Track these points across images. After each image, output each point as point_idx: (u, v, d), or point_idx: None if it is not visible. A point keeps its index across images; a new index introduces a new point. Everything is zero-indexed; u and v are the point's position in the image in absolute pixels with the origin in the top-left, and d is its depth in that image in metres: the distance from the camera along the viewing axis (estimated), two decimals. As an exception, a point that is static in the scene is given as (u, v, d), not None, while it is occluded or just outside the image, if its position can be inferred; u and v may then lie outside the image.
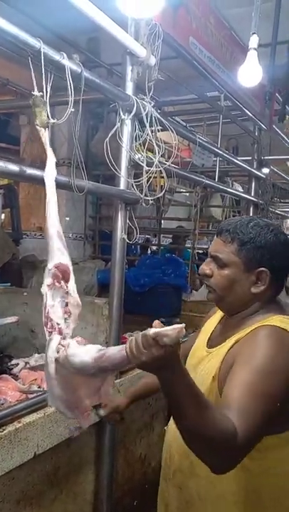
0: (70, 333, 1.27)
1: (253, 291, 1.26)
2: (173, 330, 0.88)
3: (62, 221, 4.86)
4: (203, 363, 1.34)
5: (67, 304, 1.30)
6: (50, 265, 1.28)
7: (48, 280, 1.28)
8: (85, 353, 1.05)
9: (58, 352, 1.13)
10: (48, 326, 1.25)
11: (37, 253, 4.57)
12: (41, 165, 1.47)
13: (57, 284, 1.28)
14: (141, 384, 1.70)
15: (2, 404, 1.81)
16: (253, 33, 2.49)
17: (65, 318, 1.29)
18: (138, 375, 2.30)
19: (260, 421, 1.06)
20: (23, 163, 1.49)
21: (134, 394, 1.66)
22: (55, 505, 1.93)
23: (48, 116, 1.46)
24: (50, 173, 1.42)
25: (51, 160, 1.44)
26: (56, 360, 1.12)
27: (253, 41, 2.52)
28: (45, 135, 1.44)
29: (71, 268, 1.32)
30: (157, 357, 0.90)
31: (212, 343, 1.38)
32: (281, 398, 1.10)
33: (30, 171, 1.48)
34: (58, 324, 1.24)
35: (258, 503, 1.26)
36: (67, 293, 1.30)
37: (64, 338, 1.20)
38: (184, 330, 0.90)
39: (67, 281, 1.30)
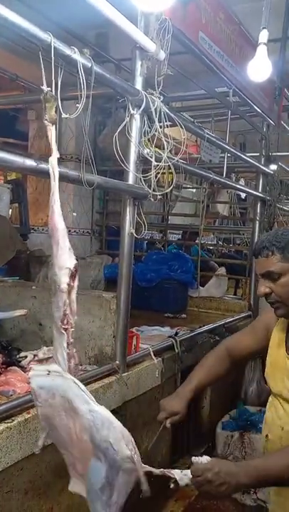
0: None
1: None
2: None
3: (70, 216, 4.90)
4: None
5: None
6: (71, 265, 1.30)
7: (67, 279, 1.29)
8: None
9: None
10: (64, 323, 1.30)
11: (44, 248, 4.58)
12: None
13: (71, 283, 1.31)
14: (202, 373, 1.63)
15: (11, 395, 1.83)
16: (263, 28, 2.48)
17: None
18: (147, 367, 2.33)
19: None
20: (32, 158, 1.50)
21: (193, 389, 1.59)
22: (63, 497, 1.94)
23: (58, 111, 1.47)
24: (55, 169, 1.43)
25: (56, 156, 1.44)
26: None
27: (263, 36, 2.51)
28: (52, 131, 1.44)
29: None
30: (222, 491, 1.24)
31: None
32: None
33: (44, 165, 1.50)
34: (70, 319, 1.30)
35: None
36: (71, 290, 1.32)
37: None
38: None
39: (75, 278, 1.33)
